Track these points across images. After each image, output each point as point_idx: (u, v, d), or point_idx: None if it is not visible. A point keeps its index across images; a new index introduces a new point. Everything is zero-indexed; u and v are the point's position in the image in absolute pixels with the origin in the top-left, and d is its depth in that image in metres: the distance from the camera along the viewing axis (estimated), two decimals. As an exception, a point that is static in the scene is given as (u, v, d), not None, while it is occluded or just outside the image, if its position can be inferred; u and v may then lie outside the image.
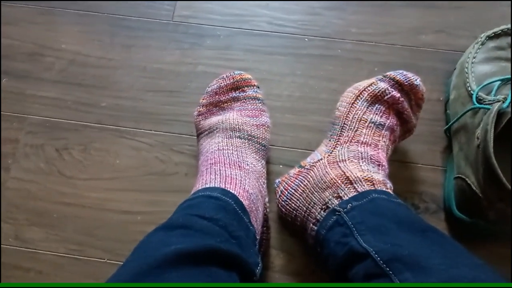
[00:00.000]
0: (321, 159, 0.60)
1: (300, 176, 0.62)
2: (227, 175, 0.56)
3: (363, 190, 0.52)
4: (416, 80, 0.62)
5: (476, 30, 0.71)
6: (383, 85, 0.62)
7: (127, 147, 0.73)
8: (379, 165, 0.57)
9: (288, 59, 0.78)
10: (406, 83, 0.62)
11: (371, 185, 0.53)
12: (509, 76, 0.61)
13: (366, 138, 0.59)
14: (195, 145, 0.71)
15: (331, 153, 0.60)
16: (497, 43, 0.67)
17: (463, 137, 0.63)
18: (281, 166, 0.71)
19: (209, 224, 0.46)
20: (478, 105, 0.60)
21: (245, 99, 0.66)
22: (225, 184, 0.55)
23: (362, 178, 0.54)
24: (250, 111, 0.65)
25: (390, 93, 0.61)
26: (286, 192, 0.62)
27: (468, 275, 0.38)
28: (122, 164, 0.72)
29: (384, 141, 0.60)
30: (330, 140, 0.62)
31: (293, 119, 0.74)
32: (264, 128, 0.65)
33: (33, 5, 0.83)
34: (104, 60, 0.79)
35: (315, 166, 0.60)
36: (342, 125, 0.61)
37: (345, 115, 0.62)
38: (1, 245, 0.67)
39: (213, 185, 0.55)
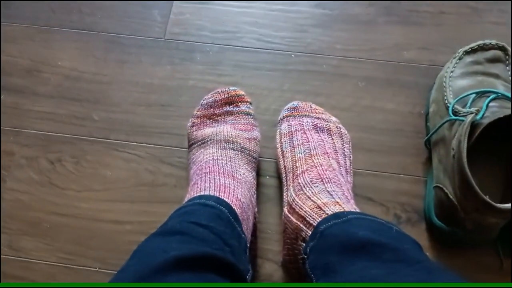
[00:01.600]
0: (284, 212, 0.61)
1: (284, 241, 0.62)
2: (221, 183, 0.58)
3: (315, 223, 0.51)
4: (293, 103, 0.71)
5: (457, 46, 0.74)
6: (283, 126, 0.69)
7: (118, 159, 0.75)
8: (321, 180, 0.58)
9: (276, 74, 0.81)
10: (291, 111, 0.70)
11: (319, 211, 0.53)
12: (484, 89, 0.63)
13: (302, 168, 0.62)
14: (184, 157, 0.74)
15: (286, 202, 0.61)
16: (474, 58, 0.69)
17: (442, 148, 0.65)
18: (267, 177, 0.73)
19: (205, 231, 0.47)
20: (453, 117, 0.63)
21: (238, 114, 0.69)
22: (219, 192, 0.56)
23: (309, 208, 0.54)
24: (243, 125, 0.68)
25: (291, 124, 0.68)
26: (286, 264, 0.64)
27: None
28: (113, 176, 0.74)
29: (318, 159, 0.62)
30: (284, 193, 0.64)
31: (280, 132, 0.76)
32: (255, 142, 0.67)
33: (32, 24, 0.86)
34: (99, 76, 0.82)
35: (284, 222, 0.60)
36: (284, 173, 0.65)
37: (282, 165, 0.66)
38: (-3, 255, 0.69)
39: (208, 193, 0.56)
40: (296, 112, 0.70)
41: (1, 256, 0.69)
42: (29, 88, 0.81)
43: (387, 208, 0.70)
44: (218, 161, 0.62)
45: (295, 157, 0.64)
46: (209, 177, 0.59)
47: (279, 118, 0.71)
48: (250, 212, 0.60)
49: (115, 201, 0.72)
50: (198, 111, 0.71)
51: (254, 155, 0.67)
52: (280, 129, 0.69)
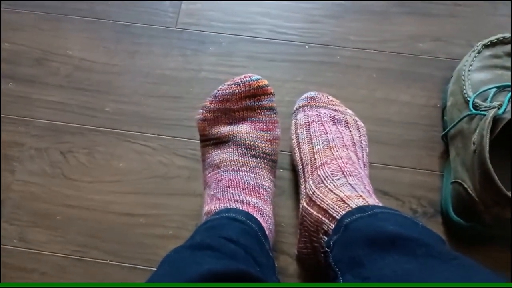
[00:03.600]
0: (302, 205, 0.60)
1: (301, 235, 0.61)
2: (248, 202, 0.56)
3: (338, 216, 0.50)
4: (310, 93, 0.69)
5: (473, 38, 0.73)
6: (299, 116, 0.67)
7: (130, 150, 0.74)
8: (342, 172, 0.57)
9: (289, 65, 0.80)
10: (308, 101, 0.68)
11: (343, 204, 0.51)
12: (505, 84, 0.62)
13: (321, 160, 0.60)
14: (197, 149, 0.72)
15: (305, 194, 0.60)
16: (493, 52, 0.69)
17: (460, 142, 0.65)
18: (281, 170, 0.72)
19: (236, 247, 0.46)
20: (474, 111, 0.62)
21: (260, 110, 0.61)
22: (247, 210, 0.54)
23: (332, 201, 0.53)
24: (265, 123, 0.62)
25: (308, 114, 0.66)
26: (300, 257, 0.63)
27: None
28: (125, 168, 0.73)
29: (337, 151, 0.60)
30: (301, 185, 0.62)
31: (294, 124, 0.75)
32: (276, 143, 0.63)
33: (40, 11, 0.85)
34: (109, 66, 0.80)
35: (303, 215, 0.59)
36: (301, 165, 0.63)
37: (299, 157, 0.64)
38: (6, 246, 0.69)
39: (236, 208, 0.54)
40: (313, 102, 0.68)
41: (13, 248, 0.68)
42: (38, 77, 0.80)
43: (402, 202, 0.70)
44: (240, 172, 0.58)
45: (313, 149, 0.62)
46: (233, 193, 0.56)
47: (294, 108, 0.70)
48: (273, 228, 0.59)
49: (128, 193, 0.71)
50: (210, 104, 0.62)
51: (274, 159, 0.62)
52: (296, 119, 0.68)
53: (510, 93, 0.59)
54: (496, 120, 0.58)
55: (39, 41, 0.83)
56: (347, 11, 0.84)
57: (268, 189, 0.60)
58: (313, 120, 0.65)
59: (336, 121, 0.66)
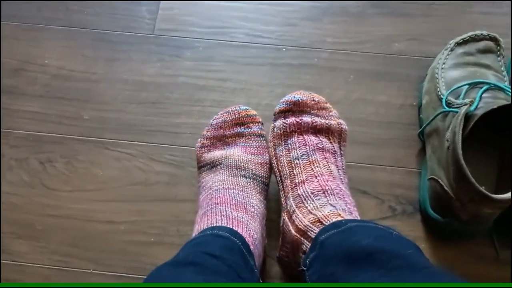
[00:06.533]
0: (284, 219, 0.59)
1: (282, 243, 0.61)
2: (233, 217, 0.56)
3: (314, 235, 0.50)
4: (294, 96, 0.63)
5: (447, 37, 0.74)
6: (278, 123, 0.63)
7: (110, 158, 0.74)
8: (323, 192, 0.56)
9: (266, 69, 0.80)
10: (290, 106, 0.62)
11: (320, 224, 0.51)
12: (476, 80, 0.63)
13: (300, 177, 0.58)
14: (176, 155, 0.73)
15: (286, 209, 0.59)
16: (466, 49, 0.69)
17: (435, 140, 0.66)
18: (261, 173, 0.72)
19: (218, 262, 0.46)
20: (447, 108, 0.63)
21: (250, 136, 0.66)
22: (232, 226, 0.54)
23: (310, 222, 0.52)
24: (255, 148, 0.65)
25: (286, 123, 0.61)
26: (282, 262, 0.64)
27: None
28: (105, 175, 0.73)
29: (317, 166, 0.58)
30: (281, 197, 0.62)
31: (273, 127, 0.76)
32: (267, 166, 0.64)
33: (16, 21, 0.85)
34: (87, 74, 0.80)
35: (283, 228, 0.59)
36: (280, 177, 0.62)
37: (276, 168, 0.62)
38: (-13, 258, 0.68)
39: (220, 225, 0.55)
40: (296, 107, 0.62)
41: (-6, 260, 0.68)
42: (17, 88, 0.80)
43: (381, 200, 0.70)
44: (229, 190, 0.60)
45: (292, 163, 0.60)
46: (220, 209, 0.57)
47: (275, 110, 0.64)
48: (261, 247, 0.59)
49: (108, 200, 0.71)
50: (207, 132, 0.67)
51: (265, 181, 0.64)
52: (274, 125, 0.63)
53: (481, 90, 0.60)
54: (468, 116, 0.59)
55: (16, 52, 0.83)
56: (324, 13, 0.84)
57: (256, 206, 0.60)
58: (292, 130, 0.61)
59: (317, 130, 0.62)
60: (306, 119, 0.61)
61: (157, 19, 0.84)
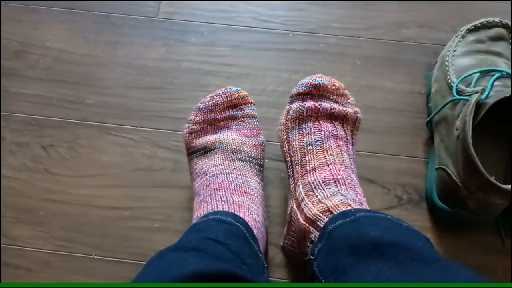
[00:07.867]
0: (292, 206, 0.58)
1: (288, 232, 0.60)
2: (234, 202, 0.55)
3: (323, 225, 0.49)
4: (315, 79, 0.60)
5: (457, 24, 0.73)
6: (295, 105, 0.60)
7: (113, 143, 0.73)
8: (335, 181, 0.54)
9: (273, 54, 0.79)
10: (310, 89, 0.60)
11: (329, 214, 0.50)
12: (488, 68, 0.62)
13: (312, 164, 0.57)
14: (181, 141, 0.72)
15: (294, 196, 0.58)
16: (477, 36, 0.68)
17: (444, 128, 0.65)
18: (267, 160, 0.71)
19: (222, 248, 0.45)
20: (457, 96, 0.62)
21: (243, 118, 0.64)
22: (234, 211, 0.54)
23: (319, 211, 0.51)
24: (248, 130, 0.63)
25: (304, 107, 0.59)
26: (286, 250, 0.63)
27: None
28: (108, 161, 0.72)
29: (331, 154, 0.57)
30: (290, 183, 0.60)
31: (278, 114, 0.73)
32: (261, 148, 0.63)
33: (18, 3, 0.83)
34: (89, 57, 0.79)
35: (291, 216, 0.58)
36: (290, 163, 0.60)
37: (287, 152, 0.60)
38: (-12, 243, 0.68)
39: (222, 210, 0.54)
40: (316, 91, 0.59)
41: (-5, 244, 0.67)
42: (17, 70, 0.78)
43: (388, 189, 0.69)
44: (227, 175, 0.58)
45: (305, 148, 0.58)
46: (220, 194, 0.56)
47: (292, 92, 0.61)
48: (264, 229, 0.58)
49: (111, 186, 0.70)
50: (196, 116, 0.64)
51: (261, 163, 0.63)
52: (290, 107, 0.60)
53: (493, 78, 0.59)
54: (479, 105, 0.58)
55: (17, 33, 0.81)
56: (331, -2, 0.83)
57: (255, 189, 0.59)
58: (308, 115, 0.59)
59: (333, 117, 0.59)
60: (325, 104, 0.59)
61: (161, 2, 0.83)
